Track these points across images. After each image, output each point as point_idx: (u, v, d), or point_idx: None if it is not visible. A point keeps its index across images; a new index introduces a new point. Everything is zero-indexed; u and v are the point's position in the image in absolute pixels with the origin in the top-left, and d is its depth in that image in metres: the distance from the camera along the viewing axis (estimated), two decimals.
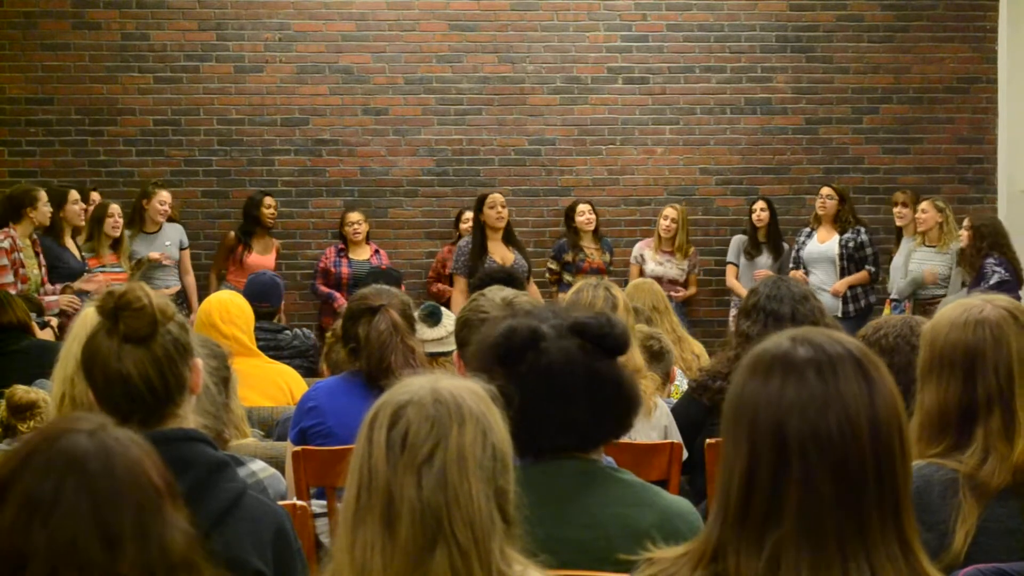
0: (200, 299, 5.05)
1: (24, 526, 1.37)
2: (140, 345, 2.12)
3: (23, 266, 6.83)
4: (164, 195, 8.07)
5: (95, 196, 7.95)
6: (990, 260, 7.20)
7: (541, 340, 2.16)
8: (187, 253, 8.25)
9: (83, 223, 7.33)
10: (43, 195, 7.00)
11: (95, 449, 1.44)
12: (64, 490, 1.39)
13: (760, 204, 8.55)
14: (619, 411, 2.21)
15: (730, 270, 8.68)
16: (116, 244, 7.53)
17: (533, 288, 7.50)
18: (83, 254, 7.34)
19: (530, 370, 2.15)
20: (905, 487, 1.56)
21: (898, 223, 8.23)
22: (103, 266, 7.36)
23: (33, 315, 5.94)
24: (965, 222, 7.55)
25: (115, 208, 7.49)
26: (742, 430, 1.56)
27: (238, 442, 3.45)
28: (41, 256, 7.00)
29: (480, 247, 7.47)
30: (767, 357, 1.59)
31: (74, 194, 7.27)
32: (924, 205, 7.88)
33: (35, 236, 7.03)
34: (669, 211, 8.49)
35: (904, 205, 8.15)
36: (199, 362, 2.23)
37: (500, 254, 7.46)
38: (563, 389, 2.14)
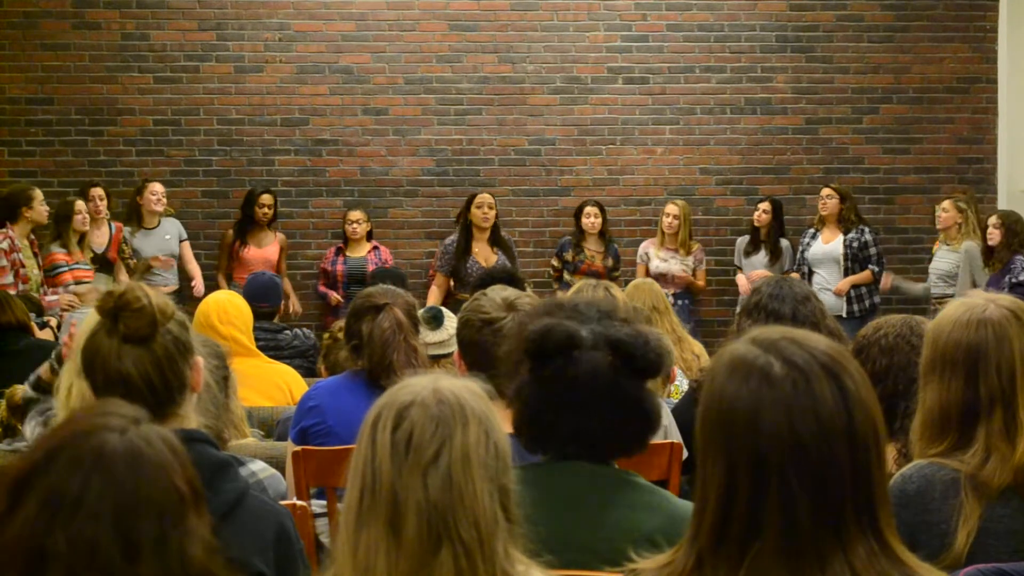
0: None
1: (47, 524, 1.35)
2: (140, 345, 2.11)
3: (23, 266, 6.82)
4: (155, 186, 8.08)
5: (96, 192, 7.91)
6: (1020, 257, 7.29)
7: (575, 348, 2.12)
8: (187, 244, 8.32)
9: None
10: (39, 194, 7.01)
11: (123, 449, 1.41)
12: (89, 490, 1.37)
13: (763, 205, 8.55)
14: (635, 431, 2.19)
15: (739, 274, 8.68)
16: (82, 240, 7.44)
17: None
18: (46, 252, 7.26)
19: (555, 375, 2.13)
20: (881, 487, 1.55)
21: (940, 227, 8.21)
22: (77, 263, 7.32)
23: (32, 315, 5.94)
24: (993, 219, 7.59)
25: (81, 205, 7.41)
26: (721, 447, 1.55)
27: (238, 442, 3.45)
28: (39, 256, 6.99)
29: (464, 247, 7.45)
30: (742, 370, 1.56)
31: (39, 193, 7.20)
32: (945, 204, 7.92)
33: (32, 236, 7.03)
34: (671, 208, 8.49)
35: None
36: (200, 360, 2.22)
37: (484, 255, 7.44)
38: (583, 401, 2.12)
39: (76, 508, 1.36)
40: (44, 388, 3.34)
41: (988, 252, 7.60)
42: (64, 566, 1.34)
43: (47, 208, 7.11)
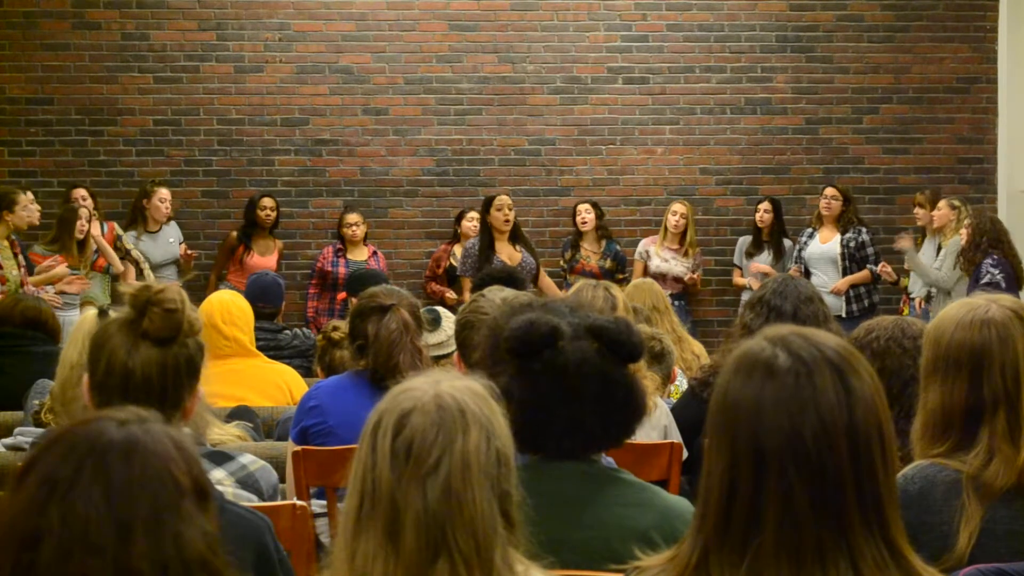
0: (199, 300, 5.02)
1: (41, 505, 1.36)
2: (155, 346, 2.08)
3: (1, 267, 6.83)
4: (164, 192, 8.13)
5: (79, 192, 7.86)
6: (987, 261, 7.23)
7: (559, 339, 2.13)
8: (183, 247, 8.34)
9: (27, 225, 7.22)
10: (23, 198, 7.01)
11: (120, 438, 1.41)
12: (83, 472, 1.37)
13: (764, 205, 8.57)
14: (625, 418, 2.19)
15: (736, 272, 8.69)
16: (81, 246, 7.46)
17: (548, 281, 7.54)
18: (44, 252, 7.28)
19: (544, 368, 2.12)
20: (889, 490, 1.54)
21: (918, 223, 8.30)
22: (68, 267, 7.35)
23: None
24: (965, 221, 7.58)
25: (83, 212, 7.47)
26: (725, 439, 1.55)
27: (238, 444, 3.45)
28: (20, 257, 6.99)
29: (487, 248, 7.44)
30: (748, 363, 1.57)
31: (23, 197, 7.12)
32: (940, 203, 7.99)
33: (13, 238, 7.03)
34: (678, 207, 8.47)
35: (921, 206, 8.21)
36: (202, 390, 2.18)
37: (507, 254, 7.43)
38: (574, 391, 2.12)
39: (69, 488, 1.36)
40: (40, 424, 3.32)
41: (960, 253, 7.51)
42: (57, 542, 1.34)
43: (38, 208, 7.11)
